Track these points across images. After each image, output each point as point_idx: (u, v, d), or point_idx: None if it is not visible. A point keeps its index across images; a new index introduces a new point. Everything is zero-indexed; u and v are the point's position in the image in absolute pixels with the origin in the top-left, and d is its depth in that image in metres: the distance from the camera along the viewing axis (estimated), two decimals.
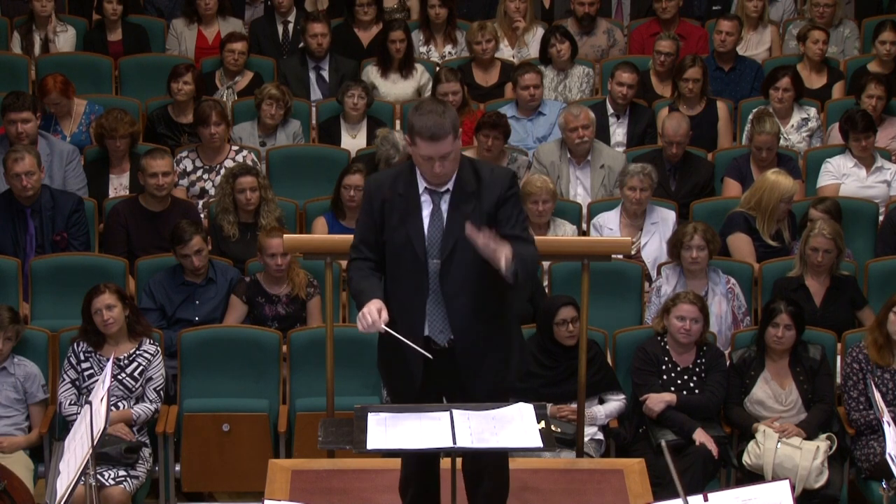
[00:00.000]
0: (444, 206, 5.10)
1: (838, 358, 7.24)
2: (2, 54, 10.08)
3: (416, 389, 5.18)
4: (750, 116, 9.10)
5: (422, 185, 5.11)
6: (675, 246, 7.59)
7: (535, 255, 5.17)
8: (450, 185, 5.09)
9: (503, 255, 4.85)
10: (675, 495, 4.34)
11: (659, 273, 7.76)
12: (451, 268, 5.08)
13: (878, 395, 5.86)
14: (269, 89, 8.98)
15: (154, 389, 6.92)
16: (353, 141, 9.16)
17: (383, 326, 4.96)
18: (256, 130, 9.06)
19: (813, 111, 9.33)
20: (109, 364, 5.58)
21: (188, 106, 9.07)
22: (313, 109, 9.55)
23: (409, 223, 5.10)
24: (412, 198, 5.11)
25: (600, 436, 7.03)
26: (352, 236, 5.33)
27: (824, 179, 8.72)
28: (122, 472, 6.56)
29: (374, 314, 4.94)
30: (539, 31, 10.24)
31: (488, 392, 5.18)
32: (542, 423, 4.96)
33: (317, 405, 6.78)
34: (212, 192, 8.47)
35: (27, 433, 6.89)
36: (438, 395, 5.18)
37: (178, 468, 7.09)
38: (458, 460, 5.14)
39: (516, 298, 5.56)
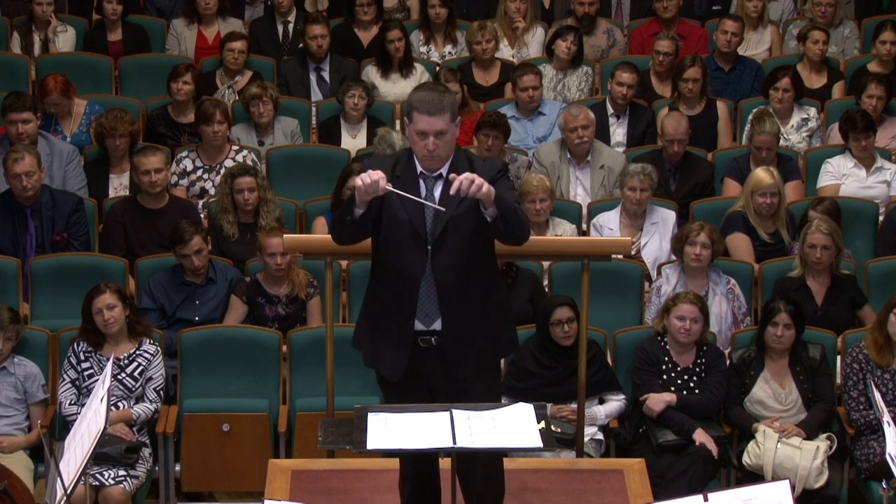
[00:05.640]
0: (437, 192, 5.15)
1: (838, 358, 7.24)
2: (2, 54, 10.08)
3: (400, 374, 5.21)
4: (750, 116, 9.10)
5: (418, 169, 5.17)
6: (680, 241, 7.58)
7: (524, 217, 5.16)
8: (443, 171, 5.14)
9: (486, 189, 4.88)
10: (675, 495, 4.34)
11: (659, 273, 7.76)
12: (441, 250, 5.12)
13: (878, 395, 5.86)
14: (249, 90, 8.98)
15: (154, 389, 6.92)
16: (354, 141, 9.16)
17: (388, 186, 4.93)
18: (253, 131, 9.06)
19: (813, 111, 9.32)
20: (109, 364, 5.58)
21: (188, 106, 9.07)
22: (313, 109, 9.55)
23: (408, 204, 5.12)
24: (410, 181, 5.15)
25: (600, 436, 7.02)
26: None
27: (824, 180, 8.72)
28: (121, 472, 6.56)
29: (377, 173, 4.92)
30: (539, 31, 10.24)
31: (474, 373, 5.21)
32: (542, 423, 4.96)
33: (317, 405, 6.78)
34: (212, 191, 8.46)
35: (27, 433, 6.89)
36: (424, 381, 5.23)
37: (178, 468, 7.09)
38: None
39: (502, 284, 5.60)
